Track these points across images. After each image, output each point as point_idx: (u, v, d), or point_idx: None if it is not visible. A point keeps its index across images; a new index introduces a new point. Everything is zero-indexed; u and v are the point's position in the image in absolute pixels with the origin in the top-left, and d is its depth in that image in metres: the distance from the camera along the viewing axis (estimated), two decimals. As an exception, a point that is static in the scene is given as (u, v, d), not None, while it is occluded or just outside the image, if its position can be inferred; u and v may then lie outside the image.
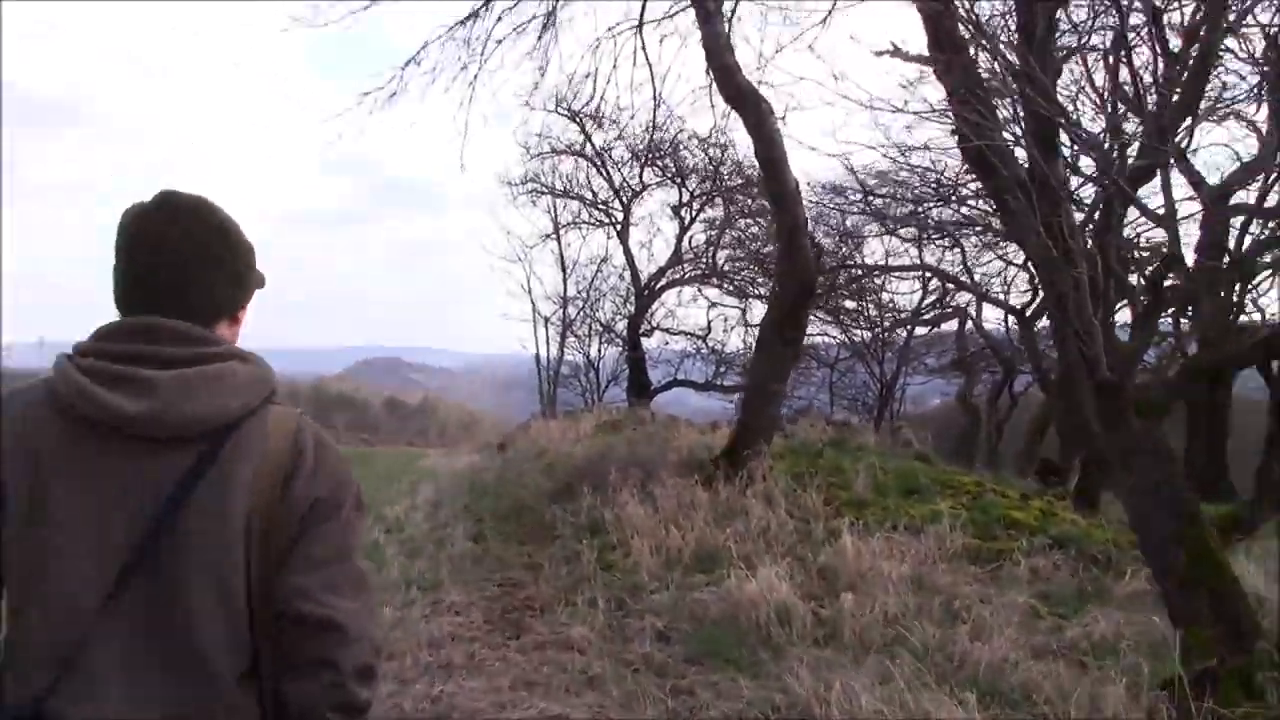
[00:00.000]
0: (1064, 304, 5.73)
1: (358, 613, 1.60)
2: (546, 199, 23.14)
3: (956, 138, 6.73)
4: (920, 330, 21.05)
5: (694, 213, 22.23)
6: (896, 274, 17.65)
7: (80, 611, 1.50)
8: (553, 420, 19.19)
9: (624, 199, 22.76)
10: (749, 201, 21.74)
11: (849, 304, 21.53)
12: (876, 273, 17.58)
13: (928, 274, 17.29)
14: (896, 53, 6.10)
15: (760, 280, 22.43)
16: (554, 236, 23.54)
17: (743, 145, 19.78)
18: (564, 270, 23.78)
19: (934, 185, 13.02)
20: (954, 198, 13.32)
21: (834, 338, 23.21)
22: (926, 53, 6.19)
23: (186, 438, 1.55)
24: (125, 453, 1.54)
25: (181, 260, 1.67)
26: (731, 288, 22.91)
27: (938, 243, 16.79)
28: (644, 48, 11.68)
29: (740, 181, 21.31)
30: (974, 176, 14.92)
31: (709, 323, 23.79)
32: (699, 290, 23.40)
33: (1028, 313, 14.40)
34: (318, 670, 1.55)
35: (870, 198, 15.31)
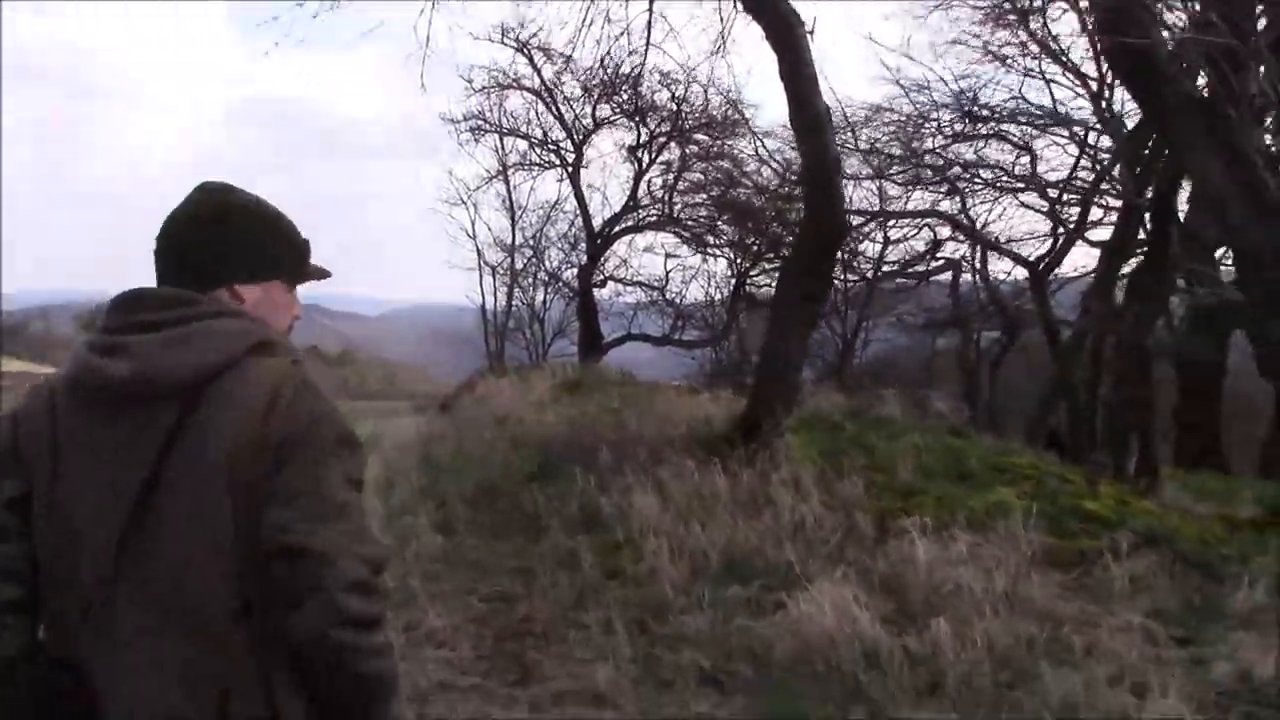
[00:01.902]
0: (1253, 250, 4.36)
1: (336, 538, 1.57)
2: (493, 138, 21.38)
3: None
4: (892, 283, 19.58)
5: (653, 154, 20.65)
6: (895, 221, 16.15)
7: (97, 576, 1.61)
8: (503, 378, 17.66)
9: (576, 138, 21.12)
10: (712, 144, 20.27)
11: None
12: (881, 219, 16.11)
13: (933, 222, 15.89)
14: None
15: (721, 229, 21.03)
16: (499, 178, 21.83)
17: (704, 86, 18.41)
18: (512, 215, 22.12)
19: (964, 114, 11.62)
20: (962, 134, 11.99)
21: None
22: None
23: (168, 395, 1.61)
24: (120, 417, 1.62)
25: (178, 230, 1.79)
26: (690, 236, 21.44)
27: (932, 189, 15.47)
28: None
29: (704, 121, 19.81)
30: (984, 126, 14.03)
31: (666, 273, 22.37)
32: (657, 239, 22.00)
33: (1041, 267, 13.15)
34: (305, 597, 1.54)
35: (856, 133, 14.00)
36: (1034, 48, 13.45)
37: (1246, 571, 6.44)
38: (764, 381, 8.14)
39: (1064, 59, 13.14)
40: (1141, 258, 11.62)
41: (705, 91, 18.42)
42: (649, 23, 11.57)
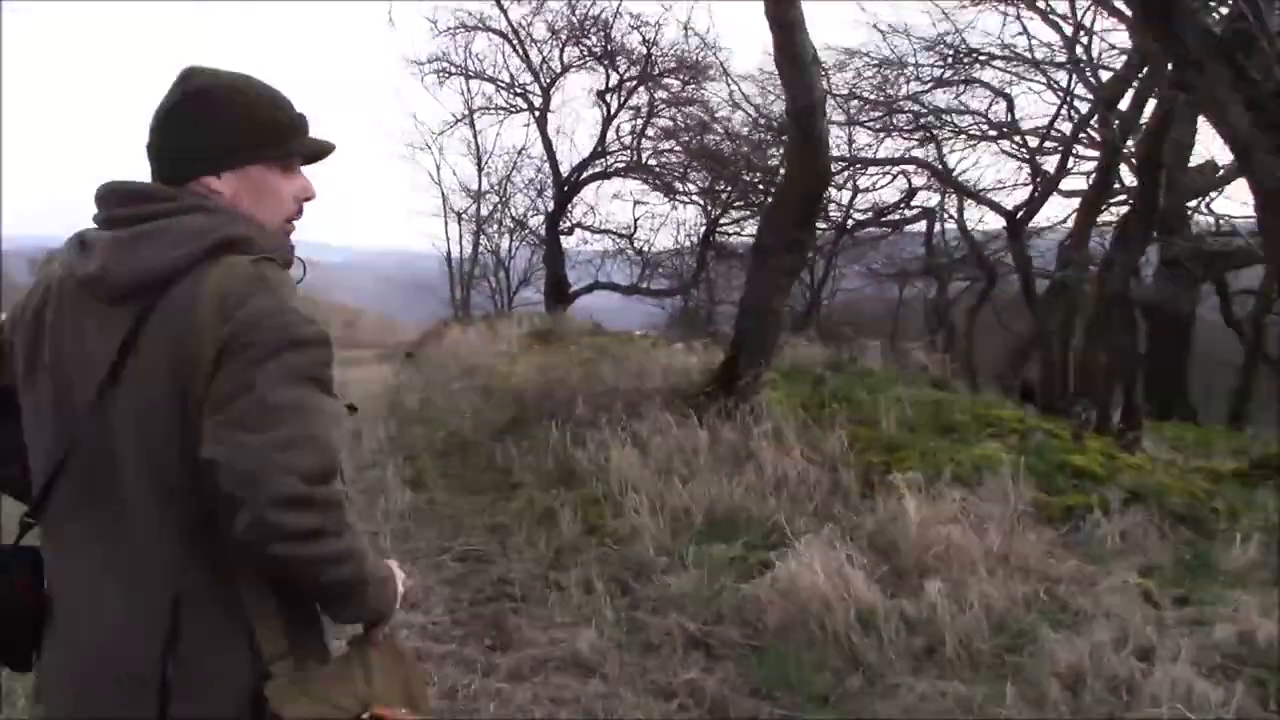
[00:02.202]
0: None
1: (260, 448, 1.43)
2: (458, 80, 20.82)
3: None
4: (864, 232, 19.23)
5: (622, 99, 20.19)
6: (867, 169, 15.81)
7: (45, 480, 1.60)
8: (469, 327, 17.32)
9: (543, 82, 20.62)
10: (682, 89, 19.84)
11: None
12: (857, 165, 15.80)
13: (908, 170, 15.58)
14: None
15: (691, 176, 20.65)
16: (465, 122, 21.32)
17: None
18: (478, 160, 21.63)
19: (942, 58, 11.33)
20: (940, 79, 11.70)
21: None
22: None
23: (128, 296, 1.54)
24: (88, 316, 1.58)
25: (153, 123, 1.68)
26: (659, 183, 21.05)
27: (905, 136, 15.16)
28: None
29: (673, 65, 19.38)
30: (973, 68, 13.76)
31: (635, 221, 22.00)
32: (625, 186, 21.62)
33: (1019, 216, 12.93)
34: (234, 513, 1.43)
35: (830, 78, 13.65)
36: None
37: (1236, 527, 6.34)
38: (744, 333, 7.89)
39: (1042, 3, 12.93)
40: (1125, 207, 11.48)
41: (686, 31, 17.91)
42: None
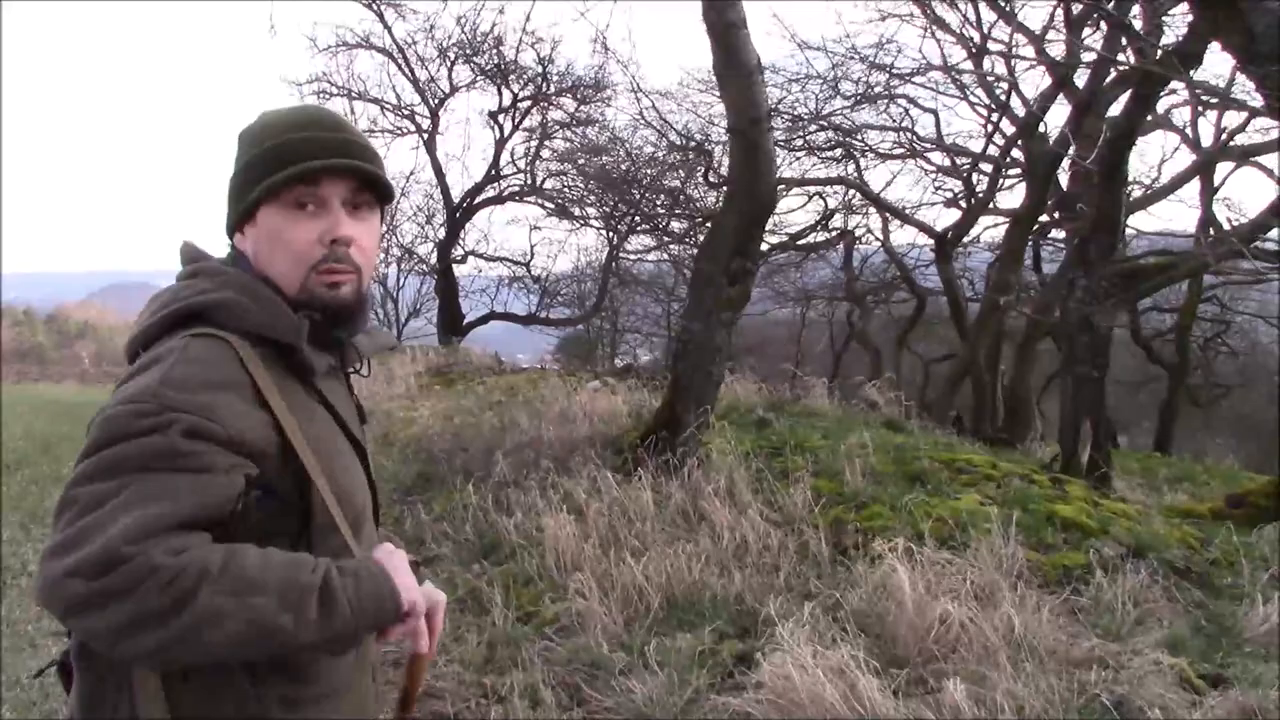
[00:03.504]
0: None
1: (54, 544, 1.30)
2: (341, 101, 19.59)
3: None
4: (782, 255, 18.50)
5: (516, 120, 19.25)
6: (802, 188, 15.08)
7: None
8: (359, 364, 16.11)
9: (431, 103, 19.56)
10: (577, 108, 19.01)
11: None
12: (784, 186, 15.08)
13: (839, 189, 14.89)
14: None
15: (589, 200, 19.79)
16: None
17: (573, 45, 17.23)
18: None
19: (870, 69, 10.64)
20: (865, 95, 11.08)
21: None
22: None
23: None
24: None
25: None
26: (556, 207, 20.15)
27: (824, 154, 14.53)
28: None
29: (569, 85, 18.53)
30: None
31: (531, 247, 21.05)
32: (521, 210, 20.67)
33: (948, 236, 12.35)
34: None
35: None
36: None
37: (1243, 582, 5.74)
38: (684, 374, 7.00)
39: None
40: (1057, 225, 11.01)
41: (597, 44, 16.99)
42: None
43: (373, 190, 1.59)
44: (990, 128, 13.49)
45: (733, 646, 4.80)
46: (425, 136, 19.74)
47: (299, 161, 1.49)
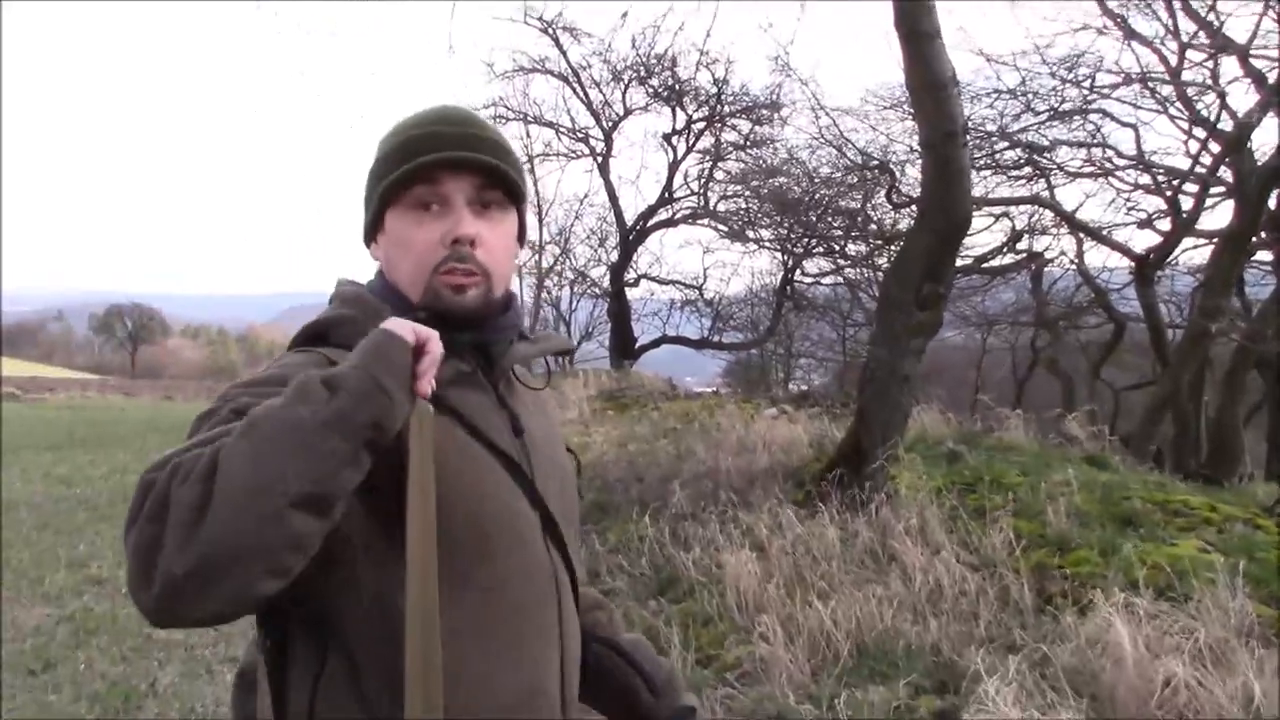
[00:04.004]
0: None
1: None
2: (517, 125, 19.89)
3: None
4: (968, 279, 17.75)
5: (690, 142, 19.14)
6: (993, 208, 14.41)
7: None
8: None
9: (605, 125, 19.65)
10: (752, 129, 18.75)
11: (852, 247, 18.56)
12: (974, 206, 14.49)
13: (1026, 209, 14.18)
14: None
15: (765, 222, 19.48)
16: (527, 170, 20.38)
17: (747, 65, 16.99)
18: (539, 210, 20.68)
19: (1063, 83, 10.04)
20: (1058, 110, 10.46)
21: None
22: None
23: None
24: None
25: None
26: (729, 230, 19.92)
27: (1013, 174, 13.86)
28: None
29: (744, 106, 18.31)
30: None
31: (704, 270, 20.87)
32: (694, 233, 20.56)
33: (1150, 258, 11.55)
34: None
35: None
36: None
37: None
38: (870, 405, 6.65)
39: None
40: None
41: (778, 63, 16.64)
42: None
43: (503, 188, 1.45)
44: (1196, 144, 12.62)
45: (930, 703, 4.43)
46: (599, 159, 19.86)
47: (413, 158, 1.41)
